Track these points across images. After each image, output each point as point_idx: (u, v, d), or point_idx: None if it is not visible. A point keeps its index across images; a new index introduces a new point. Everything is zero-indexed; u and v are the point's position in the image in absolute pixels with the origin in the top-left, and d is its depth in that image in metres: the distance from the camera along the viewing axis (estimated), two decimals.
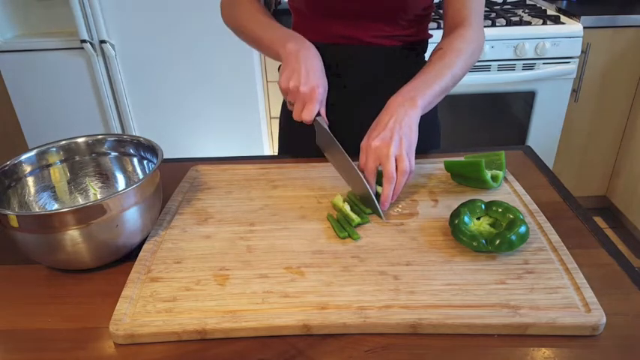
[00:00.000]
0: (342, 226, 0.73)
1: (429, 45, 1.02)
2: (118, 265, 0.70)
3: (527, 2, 2.27)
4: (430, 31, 1.01)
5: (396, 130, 0.75)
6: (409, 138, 0.75)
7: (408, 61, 0.98)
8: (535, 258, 0.66)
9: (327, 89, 0.83)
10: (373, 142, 0.75)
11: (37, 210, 0.76)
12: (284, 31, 0.88)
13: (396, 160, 0.74)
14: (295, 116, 0.82)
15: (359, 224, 0.74)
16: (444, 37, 0.90)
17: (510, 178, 0.85)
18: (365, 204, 0.79)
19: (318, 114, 0.81)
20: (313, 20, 0.96)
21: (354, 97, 0.99)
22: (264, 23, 0.90)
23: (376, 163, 0.75)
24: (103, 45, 1.88)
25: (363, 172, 0.78)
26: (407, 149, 0.75)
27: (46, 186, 0.78)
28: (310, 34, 0.95)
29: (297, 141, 0.98)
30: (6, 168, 0.73)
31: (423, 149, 1.00)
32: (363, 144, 0.78)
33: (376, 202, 0.76)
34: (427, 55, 1.02)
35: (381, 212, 0.76)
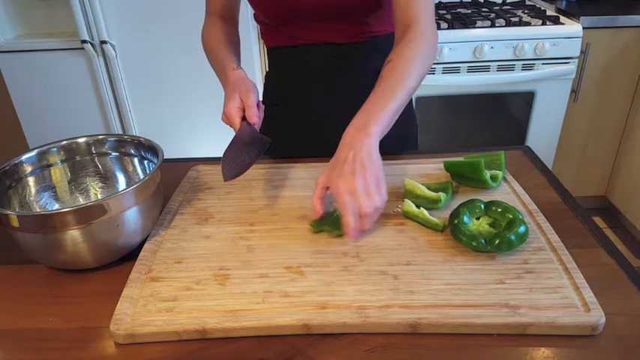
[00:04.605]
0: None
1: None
2: (118, 265, 0.70)
3: (527, 3, 2.27)
4: None
5: (357, 165, 0.67)
6: (374, 170, 0.68)
7: (374, 56, 0.98)
8: (534, 258, 0.67)
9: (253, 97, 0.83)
10: (339, 182, 0.66)
11: (38, 210, 0.76)
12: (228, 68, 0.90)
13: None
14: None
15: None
16: (395, 42, 0.84)
17: (510, 178, 0.86)
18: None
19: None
20: (275, 27, 0.98)
21: (322, 95, 1.01)
22: (218, 56, 0.93)
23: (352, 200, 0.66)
24: (104, 45, 1.88)
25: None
26: (374, 183, 0.67)
27: (46, 186, 0.78)
28: (275, 41, 1.00)
29: (282, 144, 1.00)
30: (7, 168, 0.73)
31: (402, 142, 1.02)
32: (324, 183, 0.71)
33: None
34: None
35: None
